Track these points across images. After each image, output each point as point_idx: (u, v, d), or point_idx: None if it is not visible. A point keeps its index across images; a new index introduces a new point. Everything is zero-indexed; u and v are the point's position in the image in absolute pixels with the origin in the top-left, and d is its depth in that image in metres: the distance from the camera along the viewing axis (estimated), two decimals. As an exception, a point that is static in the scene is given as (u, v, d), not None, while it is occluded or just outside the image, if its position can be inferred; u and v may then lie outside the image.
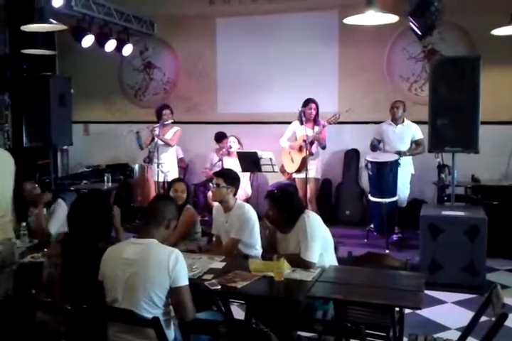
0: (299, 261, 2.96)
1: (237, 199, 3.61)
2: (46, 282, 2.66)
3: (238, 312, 3.47)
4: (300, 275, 2.85)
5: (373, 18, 4.09)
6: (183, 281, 2.33)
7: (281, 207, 3.12)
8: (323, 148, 5.74)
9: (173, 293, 2.32)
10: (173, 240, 3.45)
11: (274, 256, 2.84)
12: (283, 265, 2.80)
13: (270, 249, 3.25)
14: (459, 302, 4.10)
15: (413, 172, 5.72)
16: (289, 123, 5.98)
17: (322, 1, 6.49)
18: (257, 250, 3.50)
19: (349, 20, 4.18)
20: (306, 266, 2.95)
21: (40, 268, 2.82)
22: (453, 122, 4.48)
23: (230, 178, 3.54)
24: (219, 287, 2.69)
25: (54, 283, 2.61)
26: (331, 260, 3.13)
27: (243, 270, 2.91)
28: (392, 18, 4.09)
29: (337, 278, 2.92)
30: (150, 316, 2.24)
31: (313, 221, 3.10)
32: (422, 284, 2.72)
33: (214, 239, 3.78)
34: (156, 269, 2.29)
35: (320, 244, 3.03)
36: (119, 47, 6.76)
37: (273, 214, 3.16)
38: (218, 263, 3.09)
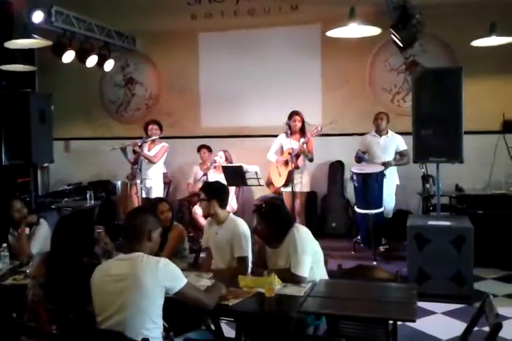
0: (289, 276, 2.91)
1: (229, 213, 3.55)
2: (31, 303, 2.60)
3: (227, 330, 3.39)
4: (291, 290, 2.80)
5: (356, 30, 4.14)
6: (181, 283, 2.35)
7: (270, 221, 3.09)
8: (311, 160, 5.70)
9: (179, 297, 2.35)
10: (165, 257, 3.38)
11: (265, 272, 2.79)
12: (274, 280, 2.75)
13: (260, 264, 3.20)
14: (448, 313, 4.09)
15: (398, 182, 5.74)
16: (274, 136, 5.98)
17: (304, 15, 6.54)
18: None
19: (332, 33, 4.22)
20: (297, 280, 2.90)
21: (21, 290, 2.73)
22: (437, 133, 4.52)
23: (210, 190, 3.48)
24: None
25: (39, 303, 2.55)
26: (321, 274, 3.09)
27: (233, 287, 2.84)
28: (375, 31, 4.14)
29: (329, 293, 2.87)
30: (147, 332, 2.22)
31: (303, 234, 3.06)
32: (414, 295, 2.70)
33: (203, 253, 3.71)
34: (147, 281, 2.25)
35: (311, 257, 2.99)
36: (100, 63, 6.70)
37: (261, 228, 3.12)
38: (207, 281, 3.03)
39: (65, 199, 6.65)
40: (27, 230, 3.75)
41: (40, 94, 6.38)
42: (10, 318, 3.15)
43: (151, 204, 3.96)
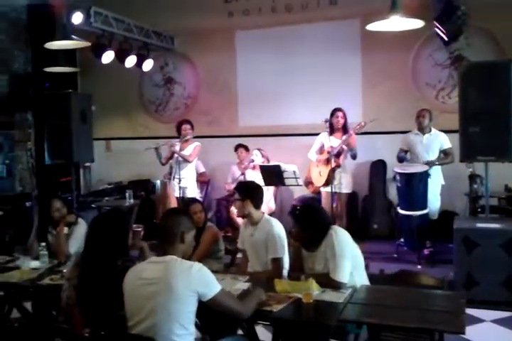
0: (328, 282, 2.79)
1: (264, 213, 3.46)
2: (65, 305, 2.59)
3: (265, 333, 3.30)
4: (330, 296, 2.68)
5: (398, 23, 3.95)
6: (214, 289, 2.27)
7: (304, 224, 2.96)
8: (354, 157, 5.49)
9: (211, 304, 2.26)
10: (196, 259, 3.32)
11: (302, 276, 2.68)
12: (312, 285, 2.63)
13: (296, 268, 3.09)
14: (498, 321, 3.87)
15: (443, 182, 5.49)
16: (313, 134, 5.84)
17: (343, 10, 6.38)
18: (285, 269, 3.31)
19: (373, 27, 4.04)
20: (336, 286, 2.77)
21: (58, 290, 2.73)
22: (485, 130, 4.33)
23: (245, 190, 3.41)
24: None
25: (73, 306, 2.53)
26: (362, 279, 2.95)
27: (270, 290, 2.73)
28: (418, 23, 3.93)
29: (370, 299, 2.73)
30: (178, 339, 2.17)
31: (342, 238, 2.92)
32: (462, 305, 2.52)
33: (239, 255, 3.64)
34: (179, 286, 2.19)
35: (350, 262, 2.86)
36: (139, 63, 6.75)
37: (296, 231, 3.01)
38: (243, 284, 2.95)
39: (106, 198, 6.73)
40: (66, 229, 3.78)
41: (81, 94, 6.48)
42: (48, 317, 3.18)
43: (184, 205, 3.93)
